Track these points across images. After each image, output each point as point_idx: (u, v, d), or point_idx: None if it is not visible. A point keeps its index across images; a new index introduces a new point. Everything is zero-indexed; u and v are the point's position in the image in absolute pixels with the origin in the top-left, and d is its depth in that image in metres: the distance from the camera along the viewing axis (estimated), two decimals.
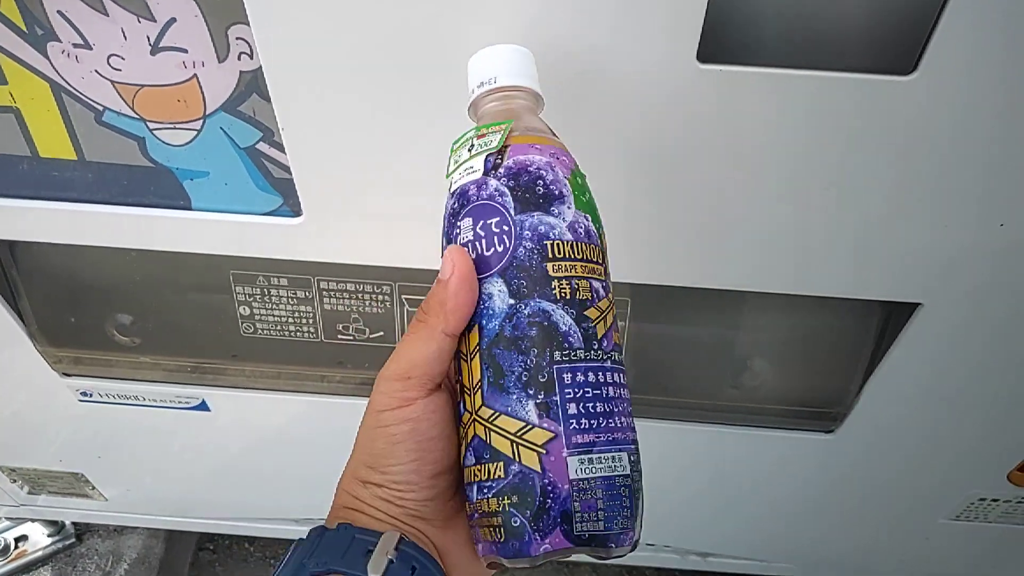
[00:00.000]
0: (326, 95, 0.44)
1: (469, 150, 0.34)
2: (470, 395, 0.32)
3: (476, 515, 0.32)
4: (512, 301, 0.31)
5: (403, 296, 0.59)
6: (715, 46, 0.40)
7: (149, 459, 0.79)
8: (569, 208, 0.32)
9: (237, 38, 0.44)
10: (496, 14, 0.40)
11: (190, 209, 0.52)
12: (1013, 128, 0.42)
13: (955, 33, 0.38)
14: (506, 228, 0.32)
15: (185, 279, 0.61)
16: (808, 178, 0.46)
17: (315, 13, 0.41)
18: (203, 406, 0.69)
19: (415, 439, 0.33)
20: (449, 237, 0.34)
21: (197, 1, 0.42)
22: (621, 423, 0.31)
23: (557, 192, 0.32)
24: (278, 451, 0.74)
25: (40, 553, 1.00)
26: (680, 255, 0.52)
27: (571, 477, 0.30)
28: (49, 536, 1.01)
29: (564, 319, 0.31)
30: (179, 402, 0.69)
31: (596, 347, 0.31)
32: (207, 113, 0.47)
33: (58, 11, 0.43)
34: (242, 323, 0.62)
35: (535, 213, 0.32)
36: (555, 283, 0.31)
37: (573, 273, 0.32)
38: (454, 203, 0.34)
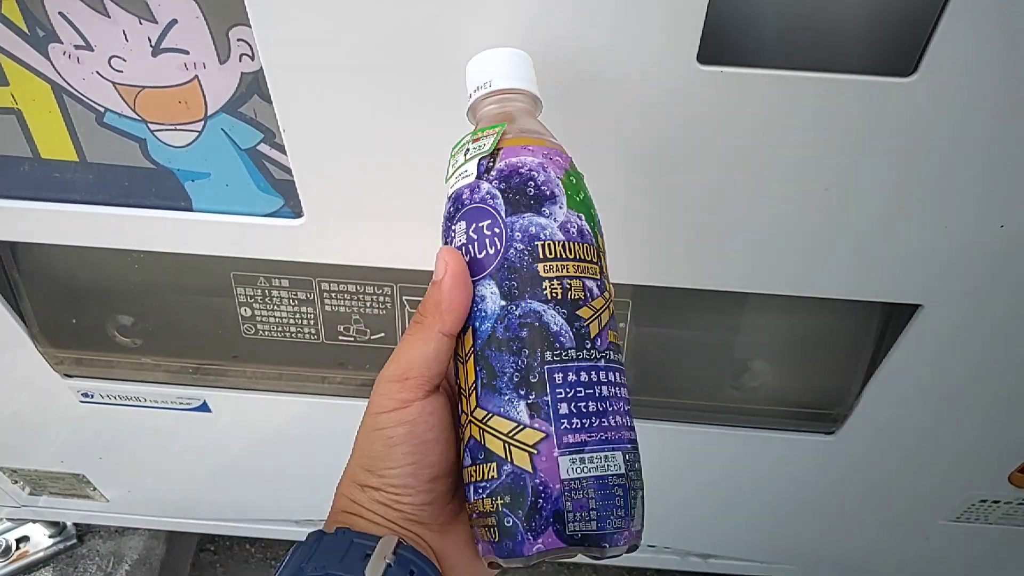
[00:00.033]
0: (327, 96, 0.44)
1: (464, 154, 0.35)
2: (466, 396, 0.32)
3: (474, 515, 0.32)
4: (504, 303, 0.32)
5: (404, 297, 0.59)
6: (715, 47, 0.40)
7: (150, 460, 0.79)
8: (561, 208, 0.32)
9: (238, 39, 0.44)
10: (496, 14, 0.40)
11: (191, 210, 0.52)
12: (1013, 129, 0.42)
13: (955, 34, 0.38)
14: (497, 230, 0.32)
15: (186, 280, 0.61)
16: (808, 179, 0.46)
17: (316, 14, 0.41)
18: (204, 407, 0.69)
19: (412, 442, 0.33)
20: (446, 241, 0.35)
21: (198, 2, 0.42)
22: (616, 422, 0.31)
23: (548, 192, 0.32)
24: (279, 452, 0.74)
25: (41, 554, 1.00)
26: (680, 256, 0.52)
27: (562, 477, 0.30)
28: (50, 537, 1.01)
29: (555, 319, 0.31)
30: (180, 403, 0.69)
31: (589, 346, 0.31)
32: (208, 114, 0.47)
33: (59, 12, 0.43)
34: (243, 324, 0.63)
35: (526, 214, 0.32)
36: (546, 283, 0.31)
37: (565, 273, 0.32)
38: (450, 207, 0.34)
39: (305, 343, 0.63)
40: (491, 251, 0.32)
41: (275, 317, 0.62)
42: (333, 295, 0.60)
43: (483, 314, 0.32)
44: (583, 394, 0.31)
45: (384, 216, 0.51)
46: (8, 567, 0.99)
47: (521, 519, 0.30)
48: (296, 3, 0.40)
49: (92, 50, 0.45)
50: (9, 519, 1.00)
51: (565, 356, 0.31)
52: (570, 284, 0.32)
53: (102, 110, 0.48)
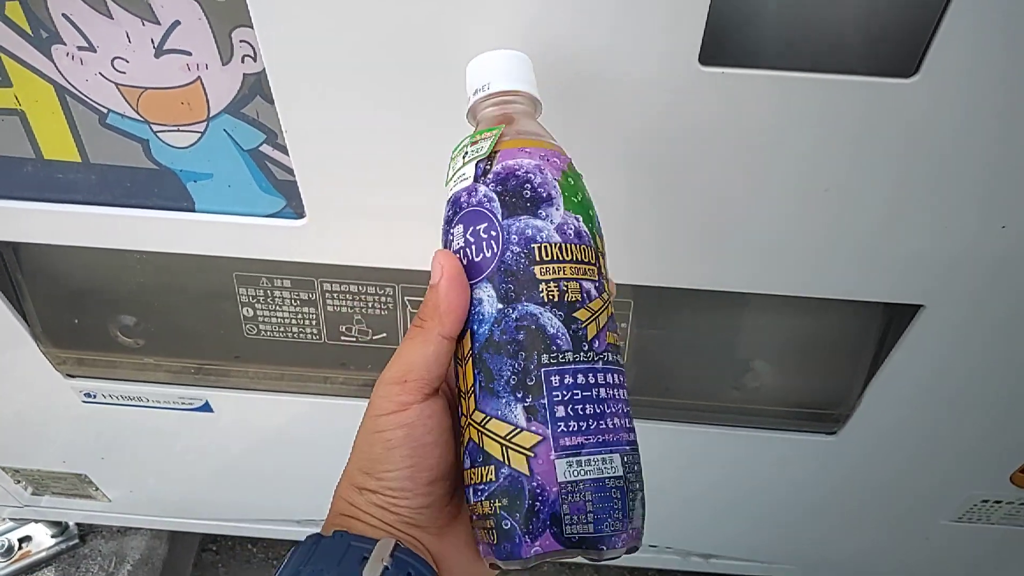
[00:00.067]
0: (329, 97, 0.44)
1: (463, 157, 0.35)
2: (465, 399, 0.33)
3: (474, 517, 0.32)
4: (501, 305, 0.32)
5: (406, 298, 0.59)
6: (717, 48, 0.40)
7: (152, 460, 0.79)
8: (558, 210, 0.32)
9: (241, 41, 0.44)
10: (497, 15, 0.40)
11: (193, 211, 0.52)
12: (1014, 130, 0.42)
13: (957, 35, 0.38)
14: (494, 233, 0.32)
15: (188, 281, 0.61)
16: (810, 180, 0.46)
17: (318, 15, 0.41)
18: (206, 407, 0.69)
19: (410, 444, 0.33)
20: (445, 244, 0.35)
21: (201, 4, 0.42)
22: (614, 424, 0.31)
23: (545, 195, 0.32)
24: (281, 452, 0.74)
25: (44, 554, 1.00)
26: (682, 257, 0.52)
27: (559, 480, 0.30)
28: (53, 537, 1.01)
29: (552, 322, 0.31)
30: (182, 403, 0.69)
31: (587, 348, 0.31)
32: (211, 115, 0.48)
33: (63, 14, 0.44)
34: (245, 325, 0.63)
35: (522, 217, 0.32)
36: (543, 286, 0.31)
37: (562, 275, 0.32)
38: (449, 210, 0.35)
39: (307, 343, 0.63)
40: (488, 254, 0.32)
41: (277, 317, 0.62)
42: (335, 295, 0.60)
43: (481, 317, 0.32)
44: (580, 397, 0.31)
45: (386, 216, 0.51)
46: (11, 567, 0.99)
47: (519, 522, 0.30)
48: (298, 4, 0.40)
49: (95, 51, 0.45)
50: (12, 519, 1.01)
51: (562, 359, 0.31)
52: (567, 286, 0.32)
53: (105, 111, 0.48)
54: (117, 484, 0.85)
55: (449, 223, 0.34)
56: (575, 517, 0.30)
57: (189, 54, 0.45)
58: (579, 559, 0.31)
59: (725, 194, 0.47)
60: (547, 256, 0.32)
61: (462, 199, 0.33)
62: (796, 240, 0.49)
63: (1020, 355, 0.55)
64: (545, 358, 0.31)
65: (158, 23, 0.43)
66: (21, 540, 1.01)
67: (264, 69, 0.44)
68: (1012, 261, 0.48)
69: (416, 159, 0.47)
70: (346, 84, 0.44)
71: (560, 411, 0.30)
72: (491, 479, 0.31)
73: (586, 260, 0.33)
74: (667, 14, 0.39)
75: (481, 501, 0.31)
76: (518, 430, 0.30)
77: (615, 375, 0.32)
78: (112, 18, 0.43)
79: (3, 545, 0.99)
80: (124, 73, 0.46)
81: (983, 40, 0.39)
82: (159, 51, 0.45)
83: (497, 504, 0.31)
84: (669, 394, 0.65)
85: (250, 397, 0.68)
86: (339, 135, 0.46)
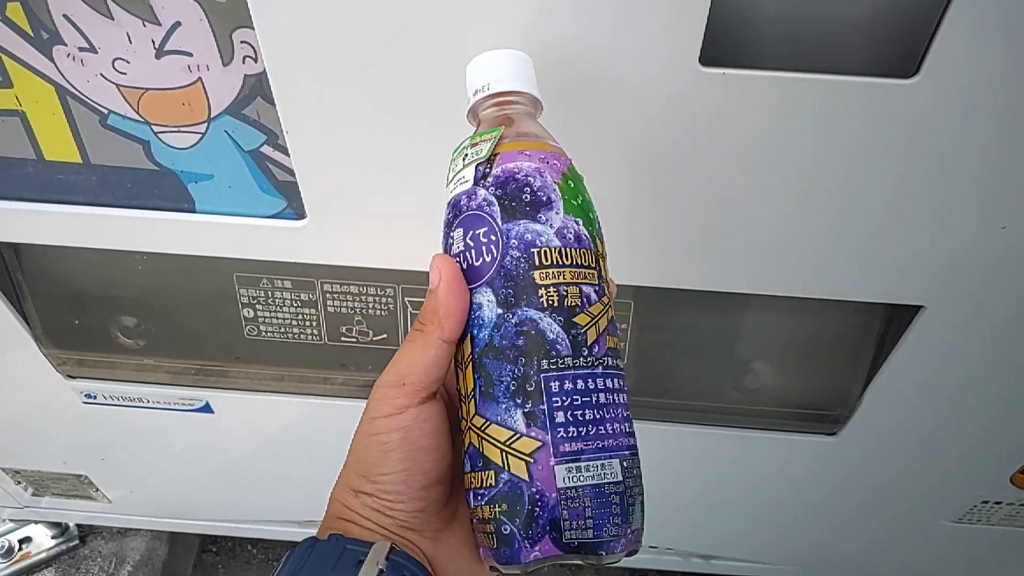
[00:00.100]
0: (330, 98, 0.44)
1: (463, 159, 0.34)
2: (465, 403, 0.33)
3: (474, 521, 0.33)
4: (500, 310, 0.31)
5: (406, 299, 0.59)
6: (717, 49, 0.40)
7: (153, 461, 0.79)
8: (557, 214, 0.32)
9: (242, 42, 0.44)
10: (497, 15, 0.40)
11: (194, 212, 0.52)
12: (1014, 130, 0.42)
13: (957, 36, 0.38)
14: (493, 238, 0.32)
15: (189, 282, 0.61)
16: (810, 181, 0.46)
17: (318, 16, 0.41)
18: (207, 408, 0.69)
19: (406, 448, 0.33)
20: (445, 247, 0.35)
21: (202, 5, 0.42)
22: (613, 429, 0.31)
23: (545, 198, 0.32)
24: (281, 453, 0.74)
25: (44, 555, 1.00)
26: (682, 258, 0.52)
27: (559, 486, 0.30)
28: (53, 538, 1.01)
29: (552, 327, 0.31)
30: (183, 404, 0.69)
31: (586, 353, 0.31)
32: (211, 116, 0.48)
33: (64, 15, 0.44)
34: (246, 325, 0.63)
35: (522, 221, 0.32)
36: (542, 291, 0.31)
37: (561, 280, 0.31)
38: (449, 214, 0.34)
39: (307, 344, 0.63)
40: (487, 258, 0.32)
41: (278, 318, 0.62)
42: (335, 296, 0.60)
43: (480, 321, 0.32)
44: (580, 402, 0.31)
45: (386, 217, 0.51)
46: (11, 568, 0.99)
47: (518, 527, 0.30)
48: (299, 5, 0.40)
49: (96, 52, 0.45)
50: (12, 520, 1.01)
51: (562, 364, 0.31)
52: (567, 291, 0.31)
53: (106, 112, 0.48)
54: (117, 485, 0.85)
55: (449, 227, 0.34)
56: (574, 523, 0.30)
57: (190, 55, 0.45)
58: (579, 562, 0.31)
59: (725, 194, 0.47)
60: (547, 261, 0.31)
61: (462, 202, 0.33)
62: (796, 241, 0.49)
63: (1020, 355, 0.55)
64: (545, 363, 0.31)
65: (159, 24, 0.43)
66: (21, 541, 1.01)
67: (265, 70, 0.44)
68: (1012, 261, 0.48)
69: (417, 160, 0.47)
70: (346, 85, 0.44)
71: (559, 417, 0.30)
72: (491, 484, 0.31)
73: (586, 264, 0.32)
74: (667, 14, 0.39)
75: (481, 505, 0.31)
76: (518, 436, 0.30)
77: (615, 379, 0.32)
78: (113, 19, 0.43)
79: (3, 546, 0.99)
80: (125, 74, 0.46)
81: (983, 40, 0.39)
82: (160, 52, 0.45)
83: (497, 509, 0.31)
84: (669, 395, 0.65)
85: (250, 398, 0.68)
86: (340, 136, 0.46)
